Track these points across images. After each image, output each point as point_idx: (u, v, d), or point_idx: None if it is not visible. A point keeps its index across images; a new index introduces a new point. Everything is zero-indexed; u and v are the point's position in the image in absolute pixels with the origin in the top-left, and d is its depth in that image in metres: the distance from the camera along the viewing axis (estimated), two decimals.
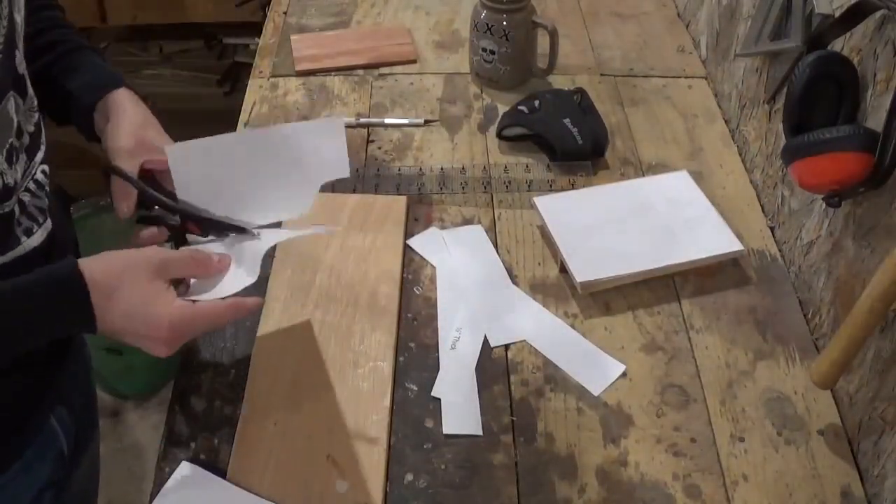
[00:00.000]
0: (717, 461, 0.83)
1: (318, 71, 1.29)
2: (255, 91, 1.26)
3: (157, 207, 0.83)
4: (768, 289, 0.99)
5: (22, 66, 0.71)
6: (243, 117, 1.21)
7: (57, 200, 0.81)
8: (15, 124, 0.71)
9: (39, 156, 0.77)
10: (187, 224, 0.84)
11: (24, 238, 0.73)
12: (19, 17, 0.71)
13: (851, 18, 0.82)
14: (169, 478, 0.79)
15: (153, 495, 0.78)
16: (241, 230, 0.84)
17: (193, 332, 0.76)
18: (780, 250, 1.03)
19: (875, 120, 0.81)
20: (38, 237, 0.75)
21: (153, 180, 0.84)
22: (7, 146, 0.69)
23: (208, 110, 2.32)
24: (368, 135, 1.19)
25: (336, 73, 1.29)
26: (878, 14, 0.80)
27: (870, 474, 0.81)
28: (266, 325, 0.92)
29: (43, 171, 0.77)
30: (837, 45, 0.88)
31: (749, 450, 0.83)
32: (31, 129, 0.76)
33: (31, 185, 0.75)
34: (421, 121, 1.20)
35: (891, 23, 0.79)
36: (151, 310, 0.72)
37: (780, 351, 0.92)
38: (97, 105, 0.85)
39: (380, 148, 1.17)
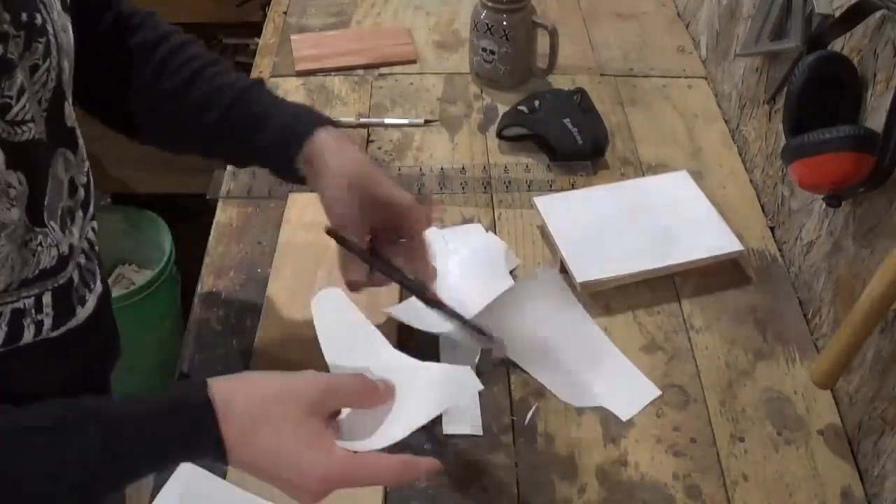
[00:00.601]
0: (717, 461, 0.83)
1: (318, 71, 1.29)
2: None
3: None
4: (768, 289, 0.99)
5: (71, 119, 0.65)
6: None
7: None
8: (66, 184, 0.64)
9: (91, 211, 0.70)
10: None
11: (79, 308, 0.67)
12: (67, 64, 0.64)
13: (851, 18, 0.82)
14: (169, 478, 0.79)
15: (153, 495, 0.78)
16: (478, 331, 0.75)
17: (350, 486, 0.63)
18: (780, 250, 1.03)
19: (875, 120, 0.81)
20: (91, 304, 0.68)
21: (378, 243, 0.77)
22: (59, 211, 0.62)
23: None
24: (368, 135, 1.19)
25: (336, 73, 1.29)
26: (878, 14, 0.80)
27: (870, 474, 0.81)
28: (266, 325, 0.92)
29: (93, 228, 0.71)
30: (837, 45, 0.88)
31: (749, 450, 0.83)
32: (84, 180, 0.69)
33: (85, 246, 0.68)
34: (421, 121, 1.20)
35: (891, 23, 0.79)
36: (305, 457, 0.60)
37: (780, 351, 0.92)
38: (296, 160, 0.75)
39: (380, 148, 1.17)
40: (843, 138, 0.78)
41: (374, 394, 0.67)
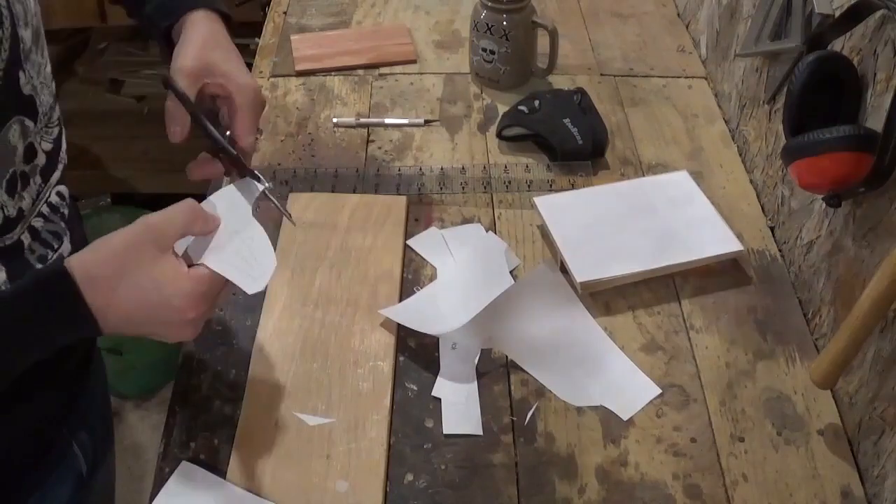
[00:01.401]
0: (717, 461, 0.83)
1: (318, 71, 1.29)
2: None
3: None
4: (768, 289, 0.99)
5: (28, 87, 0.66)
6: None
7: (77, 217, 0.76)
8: (20, 150, 0.66)
9: (56, 176, 0.72)
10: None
11: (38, 265, 0.68)
12: (26, 33, 0.66)
13: (851, 18, 0.82)
14: (169, 478, 0.79)
15: (153, 495, 0.78)
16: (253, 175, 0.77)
17: (214, 299, 0.68)
18: (780, 250, 1.03)
19: (875, 120, 0.81)
20: (53, 259, 0.70)
21: (212, 111, 0.80)
22: (8, 175, 0.64)
23: None
24: (368, 135, 1.19)
25: (336, 72, 1.29)
26: (878, 14, 0.80)
27: (870, 474, 0.81)
28: (266, 325, 0.92)
29: (59, 194, 0.73)
30: (837, 45, 0.88)
31: (749, 450, 0.83)
32: (49, 146, 0.71)
33: (45, 210, 0.70)
34: (421, 121, 1.20)
35: (891, 23, 0.79)
36: (167, 290, 0.64)
37: (780, 351, 0.92)
38: (173, 28, 0.81)
39: (380, 148, 1.17)
40: (843, 138, 0.78)
41: (204, 218, 0.69)
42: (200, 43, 0.79)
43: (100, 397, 0.93)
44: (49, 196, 0.71)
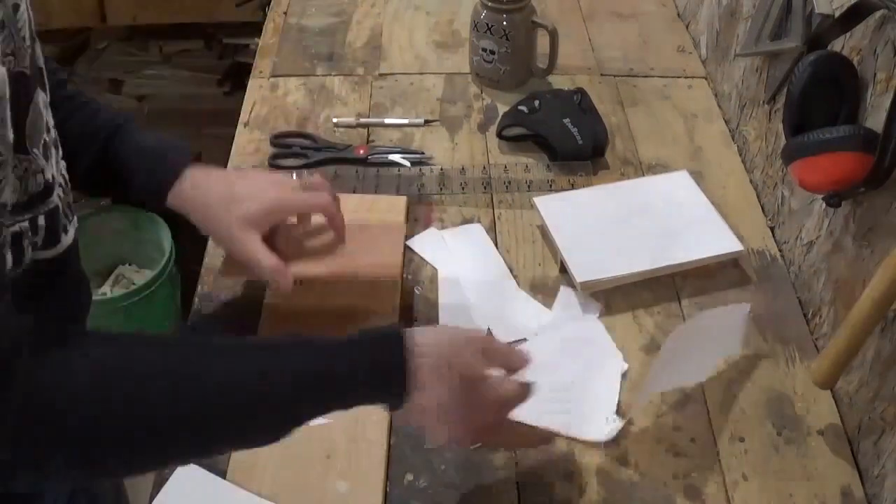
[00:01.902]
0: (717, 461, 0.83)
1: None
2: (255, 91, 1.26)
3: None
4: (768, 289, 0.99)
5: (41, 60, 0.69)
6: (243, 117, 1.21)
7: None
8: (44, 120, 0.68)
9: (61, 151, 0.74)
10: None
11: (62, 236, 0.70)
12: (31, 13, 0.68)
13: (851, 18, 0.82)
14: (169, 478, 0.79)
15: (153, 495, 0.78)
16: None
17: (511, 428, 0.73)
18: (780, 250, 1.03)
19: (875, 120, 0.81)
20: (70, 236, 0.72)
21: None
22: (42, 142, 0.66)
23: (208, 110, 2.32)
24: (368, 135, 1.19)
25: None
26: (878, 14, 0.80)
27: (870, 474, 0.81)
28: (266, 326, 0.92)
29: (65, 167, 0.74)
30: (837, 45, 0.88)
31: (749, 450, 0.83)
32: (53, 122, 0.73)
33: (61, 181, 0.72)
34: (421, 121, 1.20)
35: (891, 23, 0.79)
36: (484, 384, 0.69)
37: (780, 351, 0.92)
38: (166, 203, 0.83)
39: None
40: (843, 138, 0.78)
41: (523, 361, 0.73)
42: (228, 200, 0.81)
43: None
44: (62, 169, 0.73)
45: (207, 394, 0.61)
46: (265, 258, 0.81)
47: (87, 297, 0.80)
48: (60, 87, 0.81)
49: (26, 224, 0.63)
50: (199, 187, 0.82)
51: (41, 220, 0.64)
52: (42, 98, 0.68)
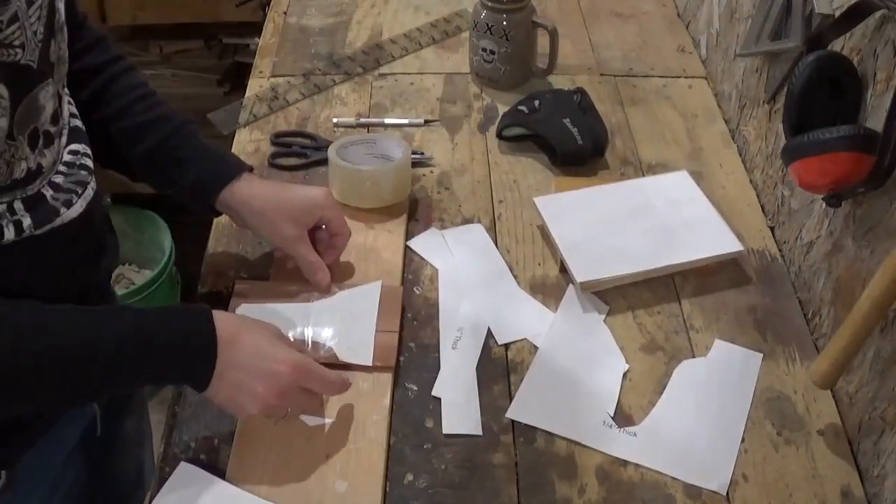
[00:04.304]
0: None
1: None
2: (255, 91, 1.26)
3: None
4: (768, 289, 0.99)
5: (55, 55, 0.71)
6: (243, 117, 1.21)
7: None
8: (48, 111, 0.71)
9: (65, 139, 0.77)
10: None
11: (63, 210, 0.73)
12: (61, 5, 0.71)
13: (851, 18, 0.82)
14: (169, 478, 0.79)
15: (153, 495, 0.78)
16: None
17: (310, 378, 0.78)
18: (780, 250, 1.03)
19: (875, 120, 0.81)
20: (79, 207, 0.75)
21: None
22: (30, 130, 0.69)
23: (208, 110, 2.32)
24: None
25: (336, 77, 1.29)
26: (878, 14, 0.80)
27: (870, 474, 0.81)
28: None
29: (72, 152, 0.77)
30: (837, 45, 0.88)
31: (749, 450, 0.83)
32: (65, 112, 0.76)
33: (62, 168, 0.75)
34: (421, 121, 1.20)
35: (891, 23, 0.79)
36: (280, 349, 0.77)
37: (780, 351, 0.92)
38: (215, 206, 0.91)
39: None
40: (843, 138, 0.78)
41: (337, 388, 0.81)
42: (274, 206, 0.90)
43: None
44: (63, 156, 0.76)
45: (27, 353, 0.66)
46: (308, 254, 0.91)
47: (110, 255, 0.87)
48: (127, 75, 0.90)
49: (3, 207, 0.68)
50: (253, 187, 0.90)
51: (17, 205, 0.69)
52: (48, 90, 0.70)
